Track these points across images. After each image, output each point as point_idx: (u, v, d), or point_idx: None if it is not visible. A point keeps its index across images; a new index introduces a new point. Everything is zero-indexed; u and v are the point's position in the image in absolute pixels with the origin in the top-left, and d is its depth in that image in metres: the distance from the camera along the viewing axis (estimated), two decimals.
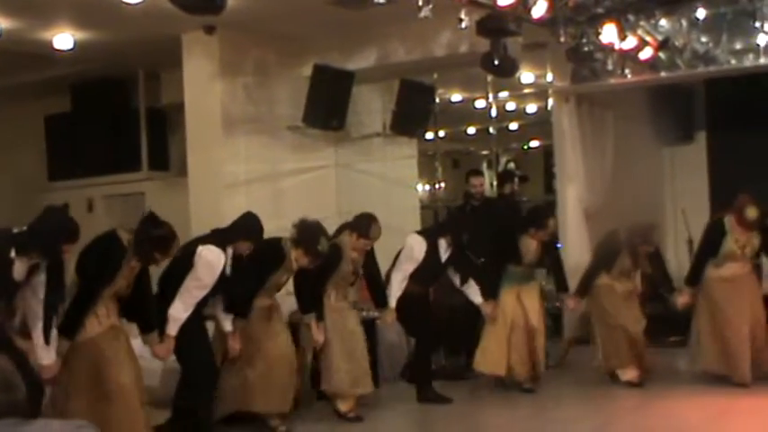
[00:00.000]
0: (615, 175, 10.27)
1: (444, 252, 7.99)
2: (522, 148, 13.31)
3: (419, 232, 8.19)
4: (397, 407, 8.13)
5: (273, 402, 6.93)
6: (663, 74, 9.71)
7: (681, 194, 11.47)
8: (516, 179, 10.92)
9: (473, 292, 8.17)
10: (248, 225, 6.75)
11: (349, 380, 7.40)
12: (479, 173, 9.63)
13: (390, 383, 8.67)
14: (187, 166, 9.65)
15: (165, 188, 11.33)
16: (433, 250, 7.91)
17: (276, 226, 7.73)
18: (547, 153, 11.24)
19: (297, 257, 6.95)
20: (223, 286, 6.56)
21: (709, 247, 8.24)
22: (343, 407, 7.43)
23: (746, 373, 7.96)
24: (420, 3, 7.22)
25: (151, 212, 6.06)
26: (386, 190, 10.33)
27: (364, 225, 7.41)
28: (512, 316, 8.24)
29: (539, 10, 8.02)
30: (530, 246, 8.24)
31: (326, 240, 7.00)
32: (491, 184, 11.32)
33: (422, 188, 12.43)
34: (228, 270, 6.54)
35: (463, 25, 7.72)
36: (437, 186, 12.26)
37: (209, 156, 9.45)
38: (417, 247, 7.89)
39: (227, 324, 6.81)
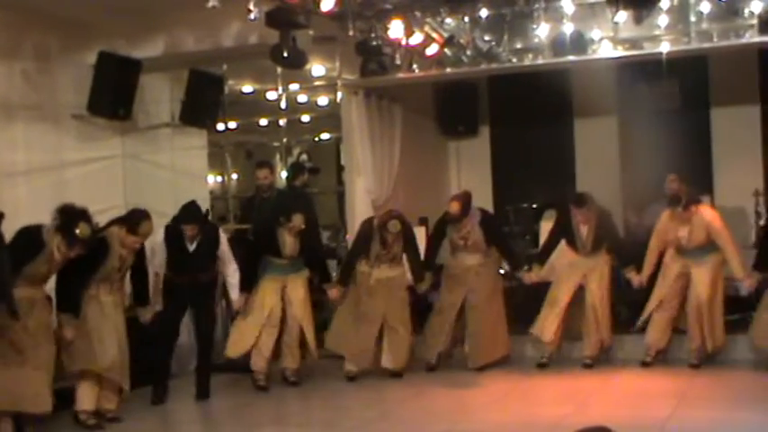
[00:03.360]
0: (402, 167, 10.51)
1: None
2: (314, 139, 13.42)
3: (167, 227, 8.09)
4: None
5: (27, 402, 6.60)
6: (448, 70, 10.01)
7: (465, 186, 11.84)
8: (307, 171, 10.97)
9: (232, 287, 8.30)
10: None
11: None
12: (264, 165, 9.63)
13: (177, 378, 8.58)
14: None
15: None
16: (179, 243, 7.95)
17: None
18: (339, 145, 11.36)
19: (58, 245, 6.65)
20: None
21: None
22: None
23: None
24: None
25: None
26: (175, 181, 10.10)
27: (135, 220, 7.26)
28: (270, 306, 8.38)
29: (327, 4, 8.13)
30: (285, 238, 8.38)
31: (89, 227, 6.74)
32: (285, 177, 11.37)
33: (213, 179, 12.30)
34: None
35: (252, 16, 7.71)
36: (229, 178, 12.17)
37: None
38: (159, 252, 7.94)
39: None
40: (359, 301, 8.67)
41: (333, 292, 8.70)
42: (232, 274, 8.23)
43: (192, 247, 7.97)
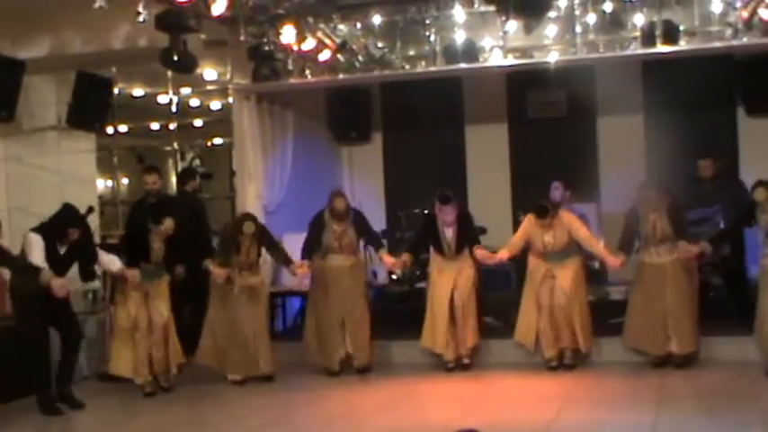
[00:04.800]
0: (295, 172, 10.48)
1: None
2: (207, 144, 13.30)
3: (35, 229, 7.79)
4: None
5: None
6: (341, 76, 10.05)
7: (358, 191, 11.93)
8: (199, 176, 10.84)
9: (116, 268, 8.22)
10: None
11: None
12: (153, 170, 9.44)
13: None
14: None
15: None
16: (52, 246, 7.71)
17: None
18: (232, 150, 11.26)
19: None
20: None
21: None
22: None
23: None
24: None
25: None
26: (61, 185, 9.87)
27: None
28: (135, 316, 8.31)
29: (218, 8, 8.08)
30: (155, 243, 8.31)
31: None
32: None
33: (103, 184, 12.07)
34: None
35: (141, 19, 7.63)
36: (119, 182, 11.97)
37: None
38: (35, 245, 7.63)
39: None
40: (225, 310, 8.65)
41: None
42: (112, 261, 8.16)
43: (62, 251, 7.75)
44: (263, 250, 8.82)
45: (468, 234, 8.95)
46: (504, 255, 8.69)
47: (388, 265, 9.14)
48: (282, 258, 8.84)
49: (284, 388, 8.50)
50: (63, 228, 7.72)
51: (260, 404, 7.96)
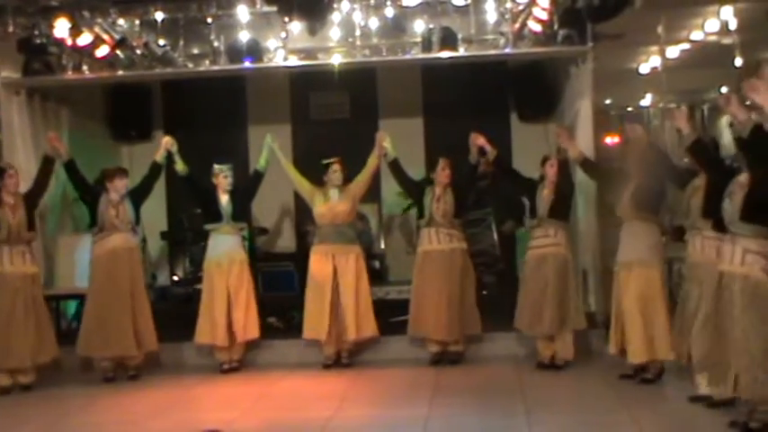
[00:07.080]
0: None
1: None
2: None
3: None
4: None
5: None
6: (120, 72, 9.77)
7: None
8: None
9: None
10: None
11: None
12: None
13: None
14: None
15: None
16: None
17: None
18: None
19: None
20: None
21: None
22: None
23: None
24: None
25: None
26: None
27: None
28: None
29: None
30: None
31: None
32: None
33: None
34: None
35: None
36: None
37: None
38: None
39: None
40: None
41: None
42: None
43: None
44: None
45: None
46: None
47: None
48: None
49: (54, 395, 8.18)
50: None
51: (27, 413, 7.62)
